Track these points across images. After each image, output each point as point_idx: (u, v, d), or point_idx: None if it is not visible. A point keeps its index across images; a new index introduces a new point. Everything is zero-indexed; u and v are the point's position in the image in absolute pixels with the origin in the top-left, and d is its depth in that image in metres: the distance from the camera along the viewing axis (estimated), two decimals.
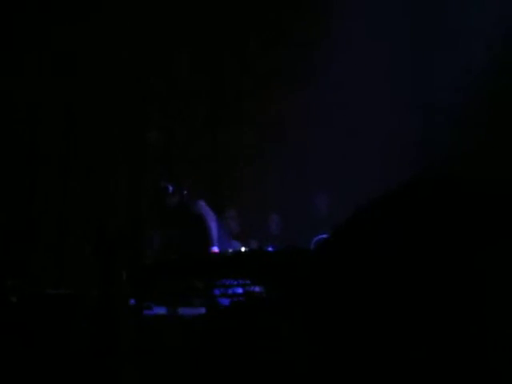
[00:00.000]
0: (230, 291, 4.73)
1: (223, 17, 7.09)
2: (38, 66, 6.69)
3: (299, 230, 5.70)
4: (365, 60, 6.62)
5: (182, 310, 5.40)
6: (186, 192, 5.44)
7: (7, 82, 6.55)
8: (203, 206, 5.44)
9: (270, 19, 7.07)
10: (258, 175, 6.31)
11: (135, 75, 7.00)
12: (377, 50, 6.61)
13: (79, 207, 6.63)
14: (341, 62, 6.54)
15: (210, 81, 7.13)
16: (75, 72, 6.78)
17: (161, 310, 5.24)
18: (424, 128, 6.52)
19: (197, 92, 7.08)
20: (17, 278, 5.53)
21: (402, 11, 6.62)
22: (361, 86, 6.50)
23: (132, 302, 5.21)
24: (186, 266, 4.58)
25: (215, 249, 5.20)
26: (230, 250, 4.70)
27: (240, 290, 4.63)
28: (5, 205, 6.39)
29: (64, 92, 6.75)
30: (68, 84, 6.76)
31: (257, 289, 4.55)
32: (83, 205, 6.65)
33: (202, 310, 5.29)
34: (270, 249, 4.79)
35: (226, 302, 4.96)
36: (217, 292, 4.84)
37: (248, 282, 4.51)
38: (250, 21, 7.10)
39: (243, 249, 4.62)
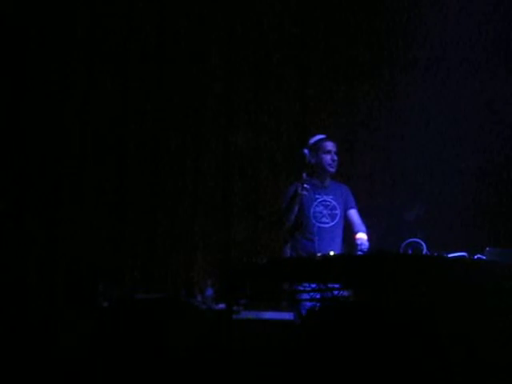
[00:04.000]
0: (317, 295, 4.69)
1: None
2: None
3: (387, 233, 5.62)
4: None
5: (268, 315, 5.40)
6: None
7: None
8: None
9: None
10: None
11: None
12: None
13: (168, 213, 6.69)
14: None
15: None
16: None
17: (249, 315, 5.26)
18: None
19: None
20: (108, 282, 5.62)
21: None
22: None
23: (221, 306, 5.24)
24: (274, 270, 4.55)
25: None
26: (319, 254, 4.65)
27: (328, 295, 4.59)
28: (94, 208, 6.49)
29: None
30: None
31: (345, 293, 4.50)
32: (172, 209, 6.70)
33: (289, 315, 5.28)
34: (359, 252, 4.73)
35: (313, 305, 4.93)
36: (305, 296, 4.82)
37: (337, 286, 4.46)
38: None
39: (332, 252, 4.56)
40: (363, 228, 5.24)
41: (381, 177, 6.79)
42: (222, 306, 5.22)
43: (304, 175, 5.08)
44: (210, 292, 5.46)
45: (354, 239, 5.08)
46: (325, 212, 5.30)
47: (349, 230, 5.34)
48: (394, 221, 5.99)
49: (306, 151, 5.29)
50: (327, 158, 5.33)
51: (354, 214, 5.37)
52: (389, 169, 6.78)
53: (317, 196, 5.31)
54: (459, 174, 6.63)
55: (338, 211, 5.32)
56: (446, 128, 6.70)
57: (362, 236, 5.07)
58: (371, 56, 7.00)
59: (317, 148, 5.33)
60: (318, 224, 5.27)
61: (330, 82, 7.04)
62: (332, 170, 5.35)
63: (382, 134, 6.85)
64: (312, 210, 5.27)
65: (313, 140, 5.39)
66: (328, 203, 5.32)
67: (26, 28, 6.45)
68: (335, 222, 5.32)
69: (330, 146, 5.36)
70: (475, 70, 6.67)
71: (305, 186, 5.06)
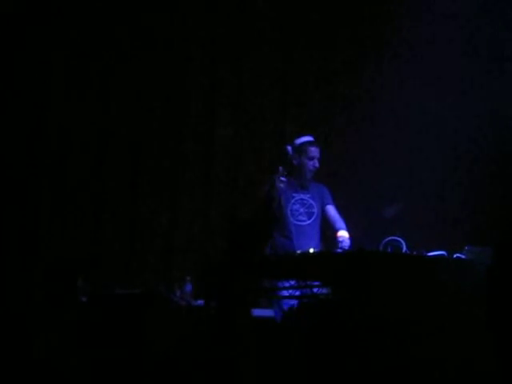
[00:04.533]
0: (297, 293, 4.71)
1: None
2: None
3: (366, 231, 5.64)
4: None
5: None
6: None
7: None
8: None
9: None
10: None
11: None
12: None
13: (147, 208, 6.67)
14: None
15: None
16: None
17: None
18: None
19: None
20: (87, 277, 5.60)
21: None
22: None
23: (199, 302, 5.24)
24: (254, 267, 4.57)
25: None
26: (299, 252, 4.66)
27: (308, 292, 4.60)
28: (76, 205, 6.46)
29: None
30: None
31: (324, 291, 4.52)
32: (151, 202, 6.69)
33: (269, 312, 5.29)
34: (339, 250, 4.75)
35: (293, 303, 4.94)
36: (285, 293, 4.83)
37: (316, 283, 4.48)
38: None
39: (312, 250, 4.58)
40: (343, 225, 5.26)
41: (360, 174, 6.80)
42: (200, 302, 5.22)
43: (280, 168, 5.07)
44: (188, 288, 5.46)
45: (335, 237, 5.10)
46: (302, 210, 5.32)
47: (327, 228, 5.36)
48: (374, 218, 6.00)
49: (289, 149, 5.28)
50: (309, 164, 5.34)
51: (331, 209, 5.39)
52: (368, 166, 6.80)
53: (294, 194, 5.33)
54: (438, 171, 6.68)
55: (315, 209, 5.34)
56: (425, 126, 6.73)
57: (343, 234, 5.09)
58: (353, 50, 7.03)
59: (301, 150, 5.33)
60: (295, 222, 5.29)
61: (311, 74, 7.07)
62: (310, 177, 5.37)
63: (363, 132, 6.86)
64: (289, 208, 5.29)
65: (299, 141, 5.38)
66: (305, 202, 5.34)
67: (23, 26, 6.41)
68: (312, 219, 5.33)
69: (314, 152, 5.36)
70: (452, 65, 6.72)
71: (281, 178, 5.05)
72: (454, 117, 6.65)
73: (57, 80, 6.52)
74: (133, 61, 6.71)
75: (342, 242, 5.01)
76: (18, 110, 6.37)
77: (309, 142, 5.37)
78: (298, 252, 4.64)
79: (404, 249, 4.50)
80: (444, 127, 6.70)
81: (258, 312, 5.37)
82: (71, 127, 6.51)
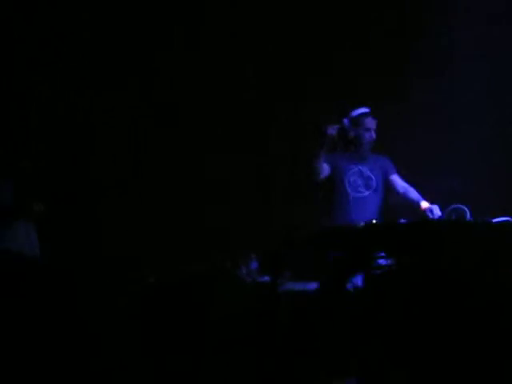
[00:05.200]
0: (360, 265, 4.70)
1: None
2: None
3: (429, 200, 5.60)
4: None
5: (313, 286, 5.42)
6: None
7: None
8: None
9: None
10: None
11: None
12: None
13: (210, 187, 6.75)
14: None
15: None
16: None
17: (294, 286, 5.28)
18: None
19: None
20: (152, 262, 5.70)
21: None
22: None
23: (265, 279, 5.27)
24: (318, 240, 4.57)
25: None
26: (362, 223, 4.66)
27: (372, 263, 4.59)
28: (135, 186, 6.57)
29: None
30: None
31: (387, 262, 4.51)
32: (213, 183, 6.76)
33: None
34: (402, 221, 4.73)
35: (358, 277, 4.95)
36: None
37: (380, 254, 4.47)
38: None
39: (374, 221, 4.57)
40: (418, 195, 5.24)
41: (417, 143, 6.76)
42: (266, 278, 5.25)
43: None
44: (254, 265, 5.50)
45: (421, 211, 5.05)
46: (360, 182, 5.31)
47: (394, 198, 5.36)
48: (435, 188, 5.96)
49: (346, 122, 5.31)
50: (366, 135, 5.34)
51: (396, 179, 5.39)
52: (425, 135, 6.76)
53: (351, 166, 5.33)
54: (497, 135, 6.59)
55: (373, 181, 5.33)
56: (485, 91, 6.65)
57: (426, 204, 5.06)
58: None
59: (357, 122, 5.34)
60: (353, 194, 5.28)
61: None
62: (368, 148, 5.36)
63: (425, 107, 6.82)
64: (346, 180, 5.29)
65: (355, 113, 5.38)
66: (363, 173, 5.33)
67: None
68: (371, 191, 5.32)
69: (370, 123, 5.36)
70: None
71: (333, 127, 5.08)
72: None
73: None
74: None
75: (432, 211, 4.96)
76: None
77: (365, 114, 5.37)
78: (362, 223, 4.64)
79: (468, 216, 4.47)
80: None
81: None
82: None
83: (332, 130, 5.09)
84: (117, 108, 6.60)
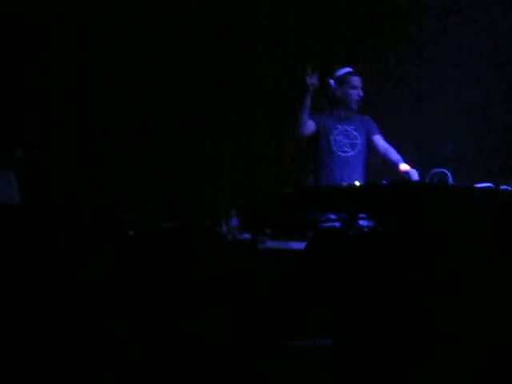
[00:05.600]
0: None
1: None
2: None
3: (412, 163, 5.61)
4: None
5: (294, 245, 5.43)
6: None
7: None
8: None
9: None
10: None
11: None
12: None
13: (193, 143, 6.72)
14: None
15: None
16: None
17: (274, 245, 5.29)
18: None
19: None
20: (133, 212, 5.67)
21: None
22: None
23: (246, 236, 5.28)
24: (299, 199, 4.56)
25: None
26: (344, 184, 4.65)
27: (353, 224, 4.60)
28: (119, 141, 6.52)
29: None
30: None
31: (368, 223, 4.53)
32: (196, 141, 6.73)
33: None
34: (384, 182, 4.73)
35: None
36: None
37: (362, 216, 4.48)
38: None
39: (357, 182, 4.56)
40: (399, 156, 5.25)
41: (403, 107, 6.76)
42: (247, 235, 5.26)
43: (307, 65, 5.12)
44: (235, 222, 5.49)
45: (399, 172, 5.06)
46: (345, 141, 5.31)
47: (376, 158, 5.36)
48: (419, 151, 5.96)
49: (332, 82, 5.29)
50: (353, 93, 5.32)
51: (379, 139, 5.38)
52: (410, 99, 6.75)
53: (337, 125, 5.32)
54: (482, 99, 6.58)
55: (359, 141, 5.33)
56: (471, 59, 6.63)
57: (405, 167, 5.06)
58: None
59: (343, 81, 5.32)
60: (339, 153, 5.29)
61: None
62: (355, 106, 5.35)
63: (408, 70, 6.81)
64: (332, 139, 5.29)
65: (340, 72, 5.36)
66: (349, 133, 5.33)
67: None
68: (356, 151, 5.32)
69: (356, 81, 5.34)
70: None
71: (311, 76, 5.08)
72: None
73: None
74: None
75: (409, 174, 4.97)
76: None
77: (350, 72, 5.36)
78: (344, 184, 4.64)
79: (450, 180, 4.47)
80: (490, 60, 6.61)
81: (302, 245, 5.41)
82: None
83: (312, 79, 5.09)
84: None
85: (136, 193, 6.38)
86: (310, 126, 5.27)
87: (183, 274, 4.94)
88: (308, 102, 5.16)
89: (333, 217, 4.76)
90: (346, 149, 5.30)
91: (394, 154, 5.29)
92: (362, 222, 4.53)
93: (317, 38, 6.99)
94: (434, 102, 6.66)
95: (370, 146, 5.38)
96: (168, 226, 5.40)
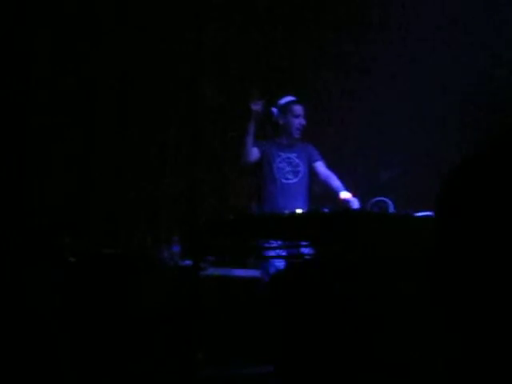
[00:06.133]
0: (284, 253, 4.72)
1: None
2: None
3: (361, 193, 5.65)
4: None
5: (235, 272, 5.42)
6: None
7: None
8: None
9: None
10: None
11: None
12: None
13: (135, 168, 6.67)
14: None
15: None
16: None
17: (216, 272, 5.27)
18: None
19: None
20: (73, 236, 5.59)
21: None
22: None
23: (187, 263, 5.25)
24: (241, 226, 4.55)
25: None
26: (286, 211, 4.66)
27: (295, 252, 4.61)
28: (63, 163, 6.44)
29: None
30: None
31: (309, 251, 4.53)
32: (138, 165, 6.68)
33: (256, 272, 5.30)
34: (325, 210, 4.74)
35: (280, 263, 4.96)
36: (272, 253, 4.84)
37: (303, 243, 4.48)
38: None
39: (299, 210, 4.57)
40: (340, 184, 5.28)
41: (355, 138, 6.82)
42: (188, 262, 5.23)
43: (253, 91, 5.14)
44: (176, 248, 5.47)
45: (339, 201, 5.09)
46: (288, 169, 5.36)
47: (318, 185, 5.40)
48: (369, 181, 6.02)
49: (274, 110, 5.35)
50: (295, 122, 5.39)
51: (320, 165, 5.44)
52: (363, 129, 6.81)
53: (280, 153, 5.37)
54: (427, 130, 6.67)
55: (301, 168, 5.38)
56: (418, 86, 6.71)
57: (346, 195, 5.09)
58: None
59: (286, 110, 5.39)
60: (281, 180, 5.32)
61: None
62: (298, 134, 5.40)
63: (359, 94, 6.87)
64: (275, 166, 5.32)
65: (283, 101, 5.42)
66: (291, 160, 5.37)
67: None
68: (298, 178, 5.36)
69: (299, 110, 5.41)
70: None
71: (257, 102, 5.13)
72: (446, 75, 6.65)
73: None
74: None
75: (350, 202, 4.99)
76: None
77: (292, 101, 5.42)
78: (286, 212, 4.65)
79: (391, 209, 4.51)
80: (436, 89, 6.69)
81: (244, 272, 5.40)
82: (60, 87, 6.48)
83: (257, 106, 5.13)
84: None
85: (78, 217, 6.31)
86: (254, 153, 5.31)
87: (122, 301, 4.89)
88: (252, 128, 5.20)
89: (275, 244, 4.76)
90: (289, 176, 5.34)
91: (334, 181, 5.33)
92: (303, 250, 4.54)
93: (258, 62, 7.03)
94: (375, 127, 6.74)
95: (312, 173, 5.42)
96: (109, 252, 5.34)
